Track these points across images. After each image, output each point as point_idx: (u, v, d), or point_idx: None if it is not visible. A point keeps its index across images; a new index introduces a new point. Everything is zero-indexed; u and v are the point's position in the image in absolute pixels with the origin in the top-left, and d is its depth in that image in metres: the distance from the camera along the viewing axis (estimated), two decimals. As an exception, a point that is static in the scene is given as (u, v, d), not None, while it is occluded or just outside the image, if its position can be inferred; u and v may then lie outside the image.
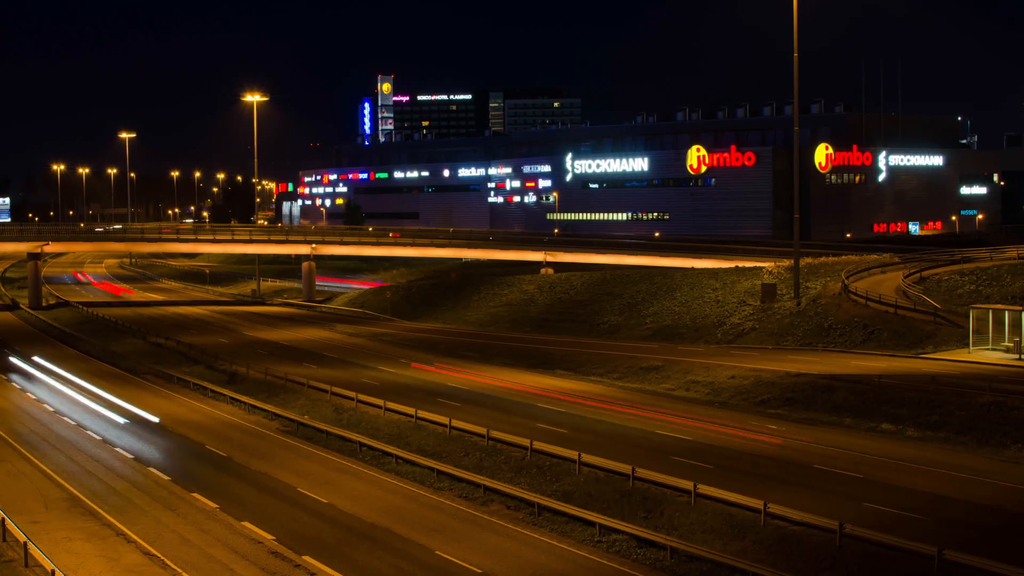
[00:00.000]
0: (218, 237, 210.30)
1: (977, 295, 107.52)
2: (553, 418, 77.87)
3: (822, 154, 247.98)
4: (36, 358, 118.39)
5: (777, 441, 68.65)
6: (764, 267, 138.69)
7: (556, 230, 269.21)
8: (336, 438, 74.78)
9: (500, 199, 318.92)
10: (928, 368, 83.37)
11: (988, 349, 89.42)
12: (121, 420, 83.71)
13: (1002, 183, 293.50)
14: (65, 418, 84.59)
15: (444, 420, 75.63)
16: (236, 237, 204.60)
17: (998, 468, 60.04)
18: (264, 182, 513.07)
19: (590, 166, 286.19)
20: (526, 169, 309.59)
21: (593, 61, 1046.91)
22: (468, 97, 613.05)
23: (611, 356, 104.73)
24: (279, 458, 69.91)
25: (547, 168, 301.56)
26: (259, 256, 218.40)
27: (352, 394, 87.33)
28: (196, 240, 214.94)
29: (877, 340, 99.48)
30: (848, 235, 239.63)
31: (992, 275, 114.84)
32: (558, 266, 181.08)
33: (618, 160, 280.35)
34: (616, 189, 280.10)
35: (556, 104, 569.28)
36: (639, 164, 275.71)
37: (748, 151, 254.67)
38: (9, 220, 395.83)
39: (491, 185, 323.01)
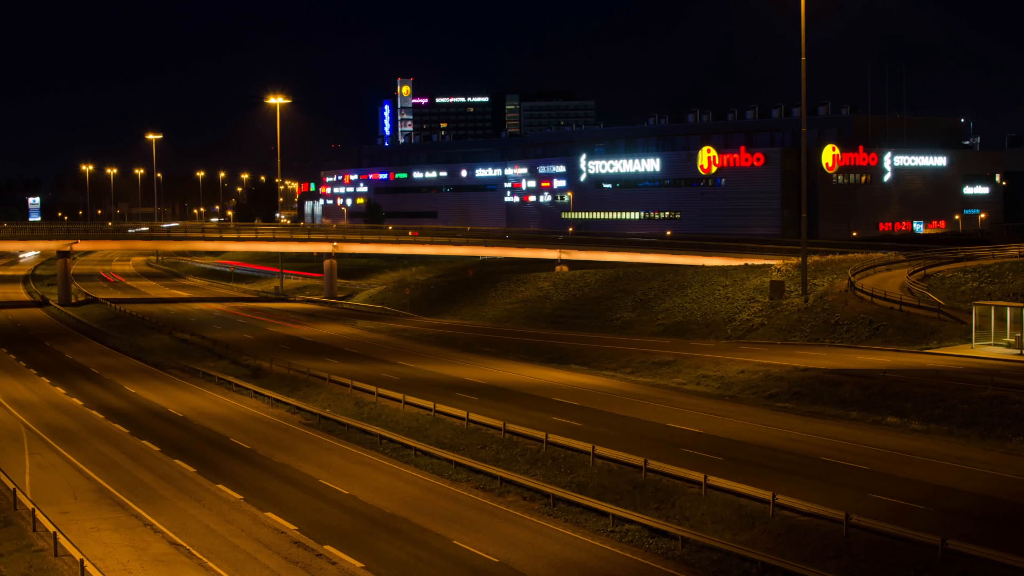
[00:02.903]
0: (242, 236, 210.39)
1: (980, 292, 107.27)
2: (567, 412, 77.83)
3: (829, 155, 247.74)
4: (67, 354, 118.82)
5: (785, 434, 68.62)
6: (773, 265, 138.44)
7: (570, 229, 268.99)
8: (357, 431, 74.89)
9: (516, 198, 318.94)
10: (932, 363, 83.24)
11: (990, 344, 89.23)
12: (148, 413, 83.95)
13: (1004, 183, 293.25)
14: (93, 411, 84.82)
15: (462, 413, 75.66)
16: (260, 236, 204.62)
17: (1000, 460, 59.89)
18: (287, 182, 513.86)
19: (604, 166, 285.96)
20: (541, 169, 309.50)
21: (606, 64, 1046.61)
22: (485, 99, 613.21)
23: (624, 351, 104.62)
24: (301, 450, 70.01)
25: (562, 168, 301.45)
26: (282, 254, 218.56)
27: (372, 388, 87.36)
28: (221, 239, 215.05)
29: (883, 336, 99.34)
30: (854, 234, 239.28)
31: (994, 272, 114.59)
32: (573, 264, 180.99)
33: (631, 161, 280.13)
34: (629, 189, 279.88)
35: (571, 106, 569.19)
36: (651, 164, 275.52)
37: (757, 152, 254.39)
38: (39, 219, 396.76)
39: (507, 185, 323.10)
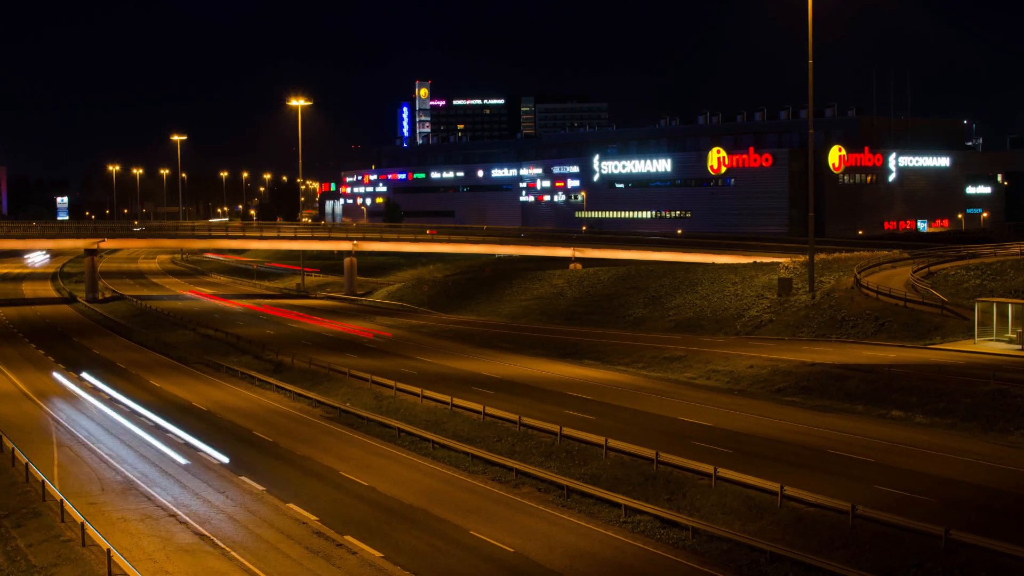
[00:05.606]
0: (265, 234, 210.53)
1: (982, 289, 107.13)
2: (581, 405, 77.81)
3: (835, 155, 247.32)
4: (94, 350, 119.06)
5: (793, 427, 68.55)
6: (781, 262, 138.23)
7: (584, 227, 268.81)
8: (376, 424, 74.95)
9: (531, 198, 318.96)
10: (936, 358, 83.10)
11: (992, 340, 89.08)
12: (173, 407, 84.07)
13: (1005, 183, 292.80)
14: (120, 405, 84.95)
15: (478, 407, 75.68)
16: (282, 234, 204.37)
17: (1002, 452, 59.85)
18: (308, 182, 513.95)
19: (616, 167, 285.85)
20: (556, 170, 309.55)
21: (619, 67, 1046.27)
22: (501, 101, 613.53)
23: (636, 347, 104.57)
24: (322, 443, 70.06)
25: (576, 169, 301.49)
26: (303, 252, 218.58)
27: (391, 382, 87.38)
28: (244, 237, 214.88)
29: (888, 332, 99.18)
30: (860, 232, 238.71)
31: (996, 270, 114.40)
32: (586, 261, 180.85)
33: (643, 161, 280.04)
34: (641, 189, 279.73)
35: (584, 108, 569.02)
36: (663, 165, 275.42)
37: (765, 153, 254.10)
38: (67, 218, 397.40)
39: (523, 185, 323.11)
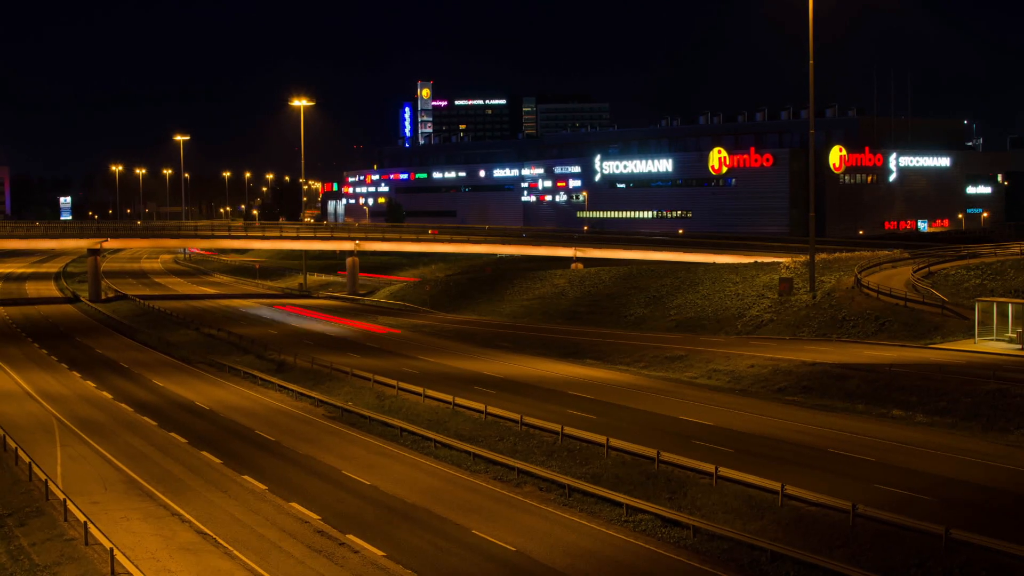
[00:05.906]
0: (267, 234, 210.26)
1: (982, 289, 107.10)
2: (582, 405, 77.80)
3: (836, 156, 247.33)
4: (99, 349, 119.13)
5: (794, 426, 68.53)
6: (781, 262, 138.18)
7: (585, 227, 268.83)
8: (378, 423, 74.95)
9: (533, 198, 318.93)
10: (936, 358, 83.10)
11: (992, 340, 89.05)
12: (176, 406, 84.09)
13: (1006, 183, 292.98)
14: (122, 404, 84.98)
15: (480, 407, 75.65)
16: (284, 234, 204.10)
17: (1002, 452, 59.84)
18: (311, 182, 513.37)
19: (617, 167, 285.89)
20: (557, 170, 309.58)
21: (619, 67, 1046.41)
22: (502, 102, 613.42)
23: (637, 346, 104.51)
24: (324, 442, 70.07)
25: (577, 169, 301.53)
26: (306, 252, 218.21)
27: (393, 382, 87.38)
28: (247, 237, 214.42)
29: (888, 331, 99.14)
30: (861, 232, 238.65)
31: (996, 270, 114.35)
32: (587, 261, 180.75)
33: (644, 161, 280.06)
34: (642, 189, 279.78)
35: (586, 108, 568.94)
36: (664, 165, 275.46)
37: (766, 153, 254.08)
38: (70, 218, 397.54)
39: (524, 185, 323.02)
